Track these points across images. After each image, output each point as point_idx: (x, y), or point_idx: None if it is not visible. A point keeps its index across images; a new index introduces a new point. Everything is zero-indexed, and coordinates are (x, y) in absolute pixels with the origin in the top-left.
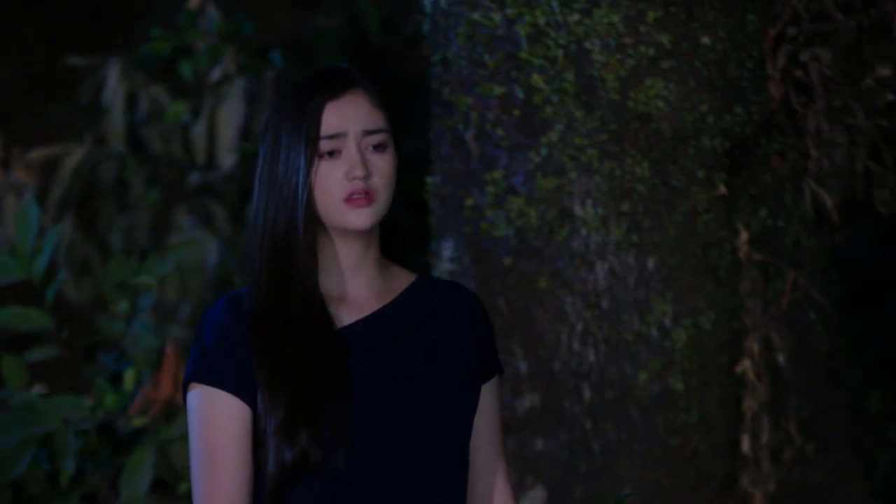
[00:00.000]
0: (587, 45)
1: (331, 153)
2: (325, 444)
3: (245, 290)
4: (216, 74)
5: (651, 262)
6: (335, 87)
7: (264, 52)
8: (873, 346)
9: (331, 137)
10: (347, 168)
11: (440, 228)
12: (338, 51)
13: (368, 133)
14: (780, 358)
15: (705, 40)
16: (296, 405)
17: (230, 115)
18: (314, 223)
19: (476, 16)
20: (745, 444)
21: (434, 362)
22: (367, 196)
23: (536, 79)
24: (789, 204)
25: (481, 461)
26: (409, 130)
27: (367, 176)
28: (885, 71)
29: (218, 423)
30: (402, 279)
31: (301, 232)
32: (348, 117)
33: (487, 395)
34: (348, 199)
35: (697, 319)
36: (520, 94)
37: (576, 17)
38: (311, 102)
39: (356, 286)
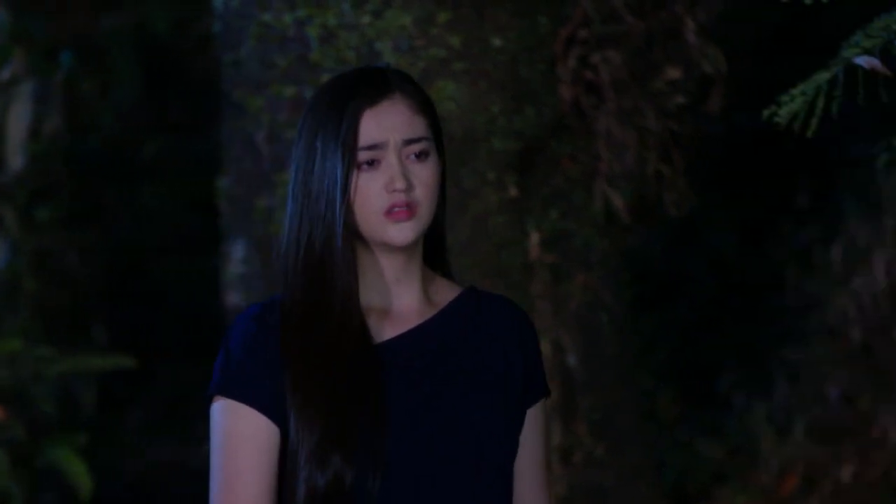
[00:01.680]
0: (378, 46)
1: (370, 163)
2: (358, 469)
3: (275, 300)
4: (5, 75)
5: None
6: (373, 92)
7: (54, 54)
8: (663, 348)
9: (370, 148)
10: (387, 180)
11: (230, 230)
12: (129, 52)
13: (409, 142)
14: (571, 359)
15: (496, 42)
16: (329, 428)
17: (19, 117)
18: (353, 236)
19: (267, 17)
20: None
21: (475, 381)
22: (409, 209)
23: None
24: (580, 206)
25: (524, 489)
26: (198, 132)
27: (409, 188)
28: (675, 73)
29: (242, 441)
30: (447, 292)
31: (339, 247)
32: (388, 126)
33: (532, 419)
34: (389, 213)
35: None
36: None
37: (367, 18)
38: (348, 109)
39: (399, 299)
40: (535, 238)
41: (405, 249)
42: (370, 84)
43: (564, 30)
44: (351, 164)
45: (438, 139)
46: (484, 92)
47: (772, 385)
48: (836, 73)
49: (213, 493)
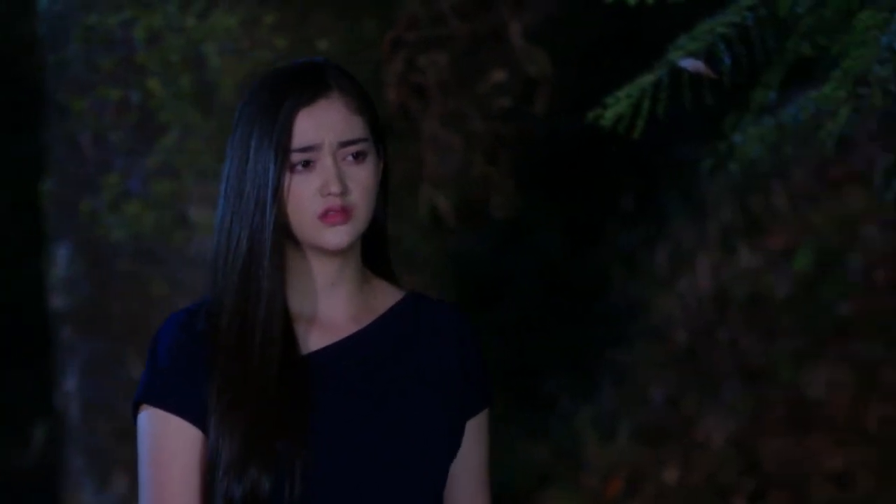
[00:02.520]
0: (204, 49)
1: (305, 164)
2: (275, 479)
3: (200, 306)
4: None
5: None
6: (310, 90)
7: None
8: (488, 350)
9: (304, 150)
10: (322, 183)
11: (55, 233)
12: None
13: (345, 144)
14: None
15: (322, 44)
16: (248, 438)
17: None
18: (285, 240)
19: (92, 19)
20: None
21: (413, 392)
22: (345, 213)
23: (153, 83)
24: (405, 208)
25: (461, 497)
26: (21, 134)
27: (345, 191)
28: (500, 76)
29: (169, 450)
30: (386, 297)
31: (268, 251)
32: (323, 126)
33: (474, 429)
34: (323, 217)
35: None
36: (136, 98)
37: (192, 20)
38: (283, 108)
39: (331, 306)
40: None
41: (340, 253)
42: (307, 81)
43: (390, 32)
44: (284, 165)
45: (379, 137)
46: None
47: (597, 387)
48: (661, 76)
49: None
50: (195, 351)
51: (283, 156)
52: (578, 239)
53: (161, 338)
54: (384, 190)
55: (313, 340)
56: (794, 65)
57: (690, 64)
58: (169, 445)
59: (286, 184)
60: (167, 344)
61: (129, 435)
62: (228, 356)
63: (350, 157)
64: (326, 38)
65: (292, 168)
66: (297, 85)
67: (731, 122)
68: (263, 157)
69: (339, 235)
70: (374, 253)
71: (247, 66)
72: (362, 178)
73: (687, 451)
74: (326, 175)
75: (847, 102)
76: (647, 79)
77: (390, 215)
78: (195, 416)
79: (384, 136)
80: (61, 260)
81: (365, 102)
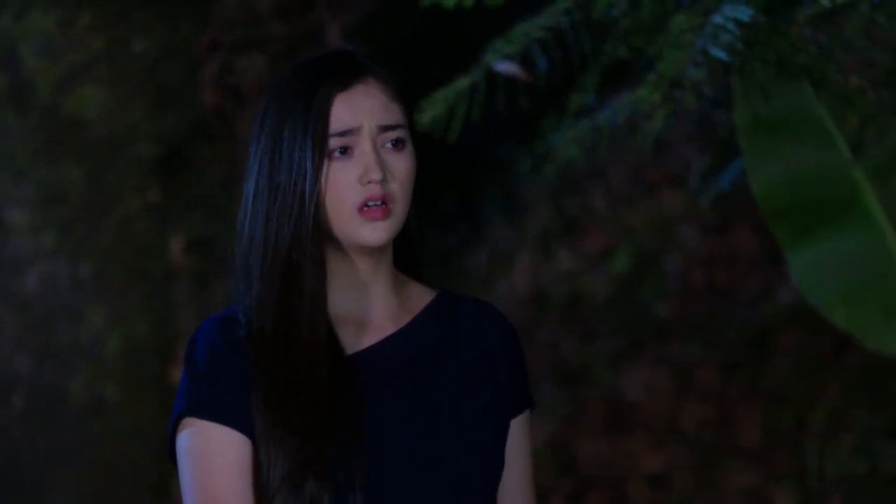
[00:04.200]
0: (20, 49)
1: (343, 150)
2: (336, 491)
3: (235, 311)
4: None
5: (84, 269)
6: (344, 75)
7: None
8: None
9: (341, 134)
10: (362, 170)
11: None
12: None
13: (385, 129)
14: None
15: (139, 45)
16: (301, 450)
17: None
18: (323, 236)
19: None
20: None
21: (460, 390)
22: (384, 205)
23: None
24: (223, 211)
25: (510, 501)
26: None
27: (385, 179)
28: None
29: (217, 464)
30: (420, 296)
31: (309, 247)
32: (361, 111)
33: (517, 430)
34: (362, 209)
35: (131, 326)
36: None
37: (8, 20)
38: (318, 94)
39: (368, 306)
40: (177, 243)
41: (375, 251)
42: (341, 67)
43: (207, 34)
44: (321, 153)
45: (413, 130)
46: (126, 96)
47: None
48: (477, 79)
49: None
50: (235, 358)
51: (319, 143)
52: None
53: (197, 346)
54: (414, 188)
55: (353, 342)
56: (610, 67)
57: (506, 67)
58: (215, 457)
59: (324, 174)
60: (205, 352)
61: None
62: (273, 362)
63: (389, 144)
64: (143, 39)
65: (329, 155)
66: (331, 71)
67: (548, 124)
68: (299, 146)
69: (377, 231)
70: (405, 252)
71: (63, 67)
72: (402, 170)
73: None
74: (366, 161)
75: (662, 105)
76: (462, 82)
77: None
78: (242, 425)
79: (415, 130)
80: None
81: (401, 91)
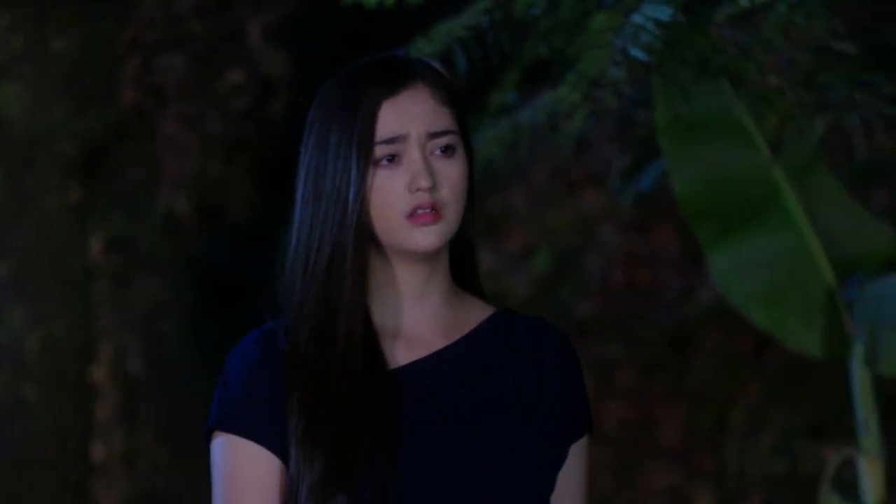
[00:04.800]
0: None
1: (390, 159)
2: None
3: (281, 322)
4: None
5: (3, 269)
6: (392, 81)
7: None
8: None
9: (388, 142)
10: (410, 178)
11: None
12: None
13: (434, 135)
14: (134, 365)
15: (59, 44)
16: (333, 464)
17: None
18: (368, 244)
19: None
20: (97, 452)
21: (509, 413)
22: (435, 211)
23: None
24: (143, 210)
25: None
26: None
27: (434, 187)
28: (238, 77)
29: (244, 479)
30: (476, 311)
31: (349, 255)
32: (409, 117)
33: (574, 456)
34: (412, 216)
35: (51, 326)
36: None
37: None
38: (364, 101)
39: (418, 319)
40: (97, 243)
41: (428, 260)
42: (388, 72)
43: (128, 33)
44: (367, 161)
45: (465, 135)
46: (46, 95)
47: None
48: None
49: None
50: (271, 371)
51: (365, 150)
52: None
53: (233, 359)
54: (471, 194)
55: (398, 355)
56: (530, 67)
57: None
58: (243, 473)
59: (369, 182)
60: (239, 365)
61: None
62: (307, 374)
63: (438, 151)
64: (64, 39)
65: (376, 163)
66: (377, 77)
67: (469, 123)
68: (344, 153)
69: (428, 236)
70: (462, 264)
71: None
72: (453, 175)
73: None
74: (414, 169)
75: (583, 104)
76: None
77: (473, 225)
78: (273, 441)
79: (469, 134)
80: None
81: (452, 95)
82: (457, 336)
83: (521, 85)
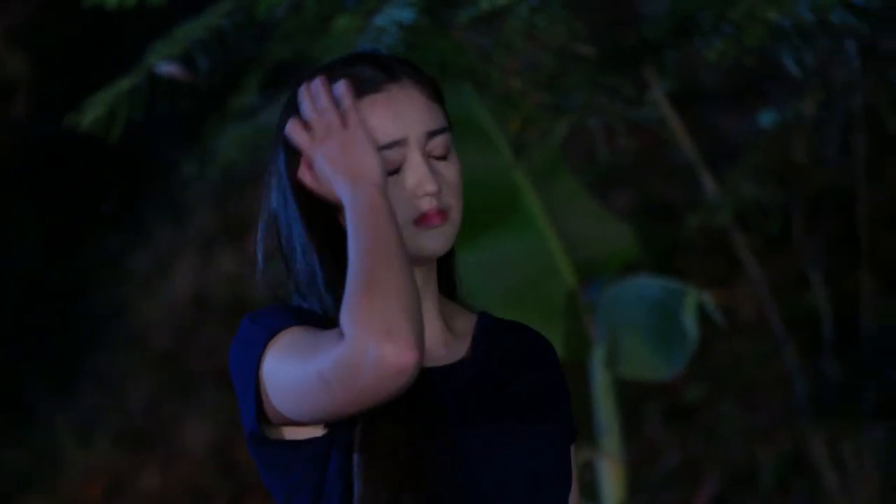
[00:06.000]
0: None
1: (392, 172)
2: None
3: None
4: None
5: None
6: (377, 77)
7: None
8: None
9: (388, 147)
10: (415, 183)
11: None
12: None
13: (433, 134)
14: None
15: None
16: (401, 469)
17: None
18: None
19: None
20: None
21: (530, 417)
22: (441, 214)
23: None
24: None
25: None
26: None
27: (440, 191)
28: None
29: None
30: (463, 317)
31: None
32: (405, 118)
33: (570, 457)
34: (419, 221)
35: None
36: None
37: None
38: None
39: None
40: None
41: (425, 265)
42: (372, 70)
43: None
44: None
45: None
46: None
47: (77, 392)
48: (139, 81)
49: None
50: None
51: None
52: (60, 244)
53: (273, 309)
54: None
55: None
56: (273, 69)
57: (167, 69)
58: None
59: None
60: (288, 308)
61: None
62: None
63: (437, 152)
64: None
65: None
66: (358, 73)
67: (211, 126)
68: None
69: (436, 240)
70: (441, 269)
71: None
72: (452, 177)
73: (167, 455)
74: (419, 173)
75: None
76: (124, 83)
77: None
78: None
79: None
80: None
81: (437, 90)
82: (455, 342)
83: (263, 87)
